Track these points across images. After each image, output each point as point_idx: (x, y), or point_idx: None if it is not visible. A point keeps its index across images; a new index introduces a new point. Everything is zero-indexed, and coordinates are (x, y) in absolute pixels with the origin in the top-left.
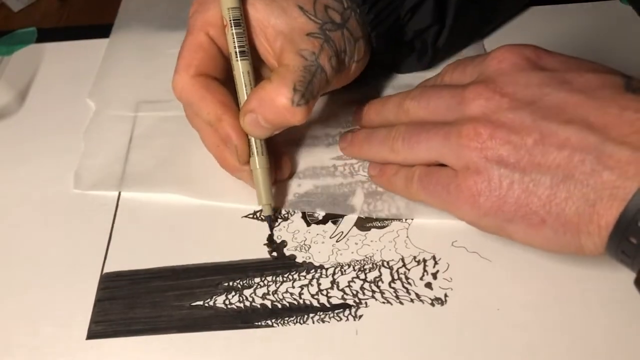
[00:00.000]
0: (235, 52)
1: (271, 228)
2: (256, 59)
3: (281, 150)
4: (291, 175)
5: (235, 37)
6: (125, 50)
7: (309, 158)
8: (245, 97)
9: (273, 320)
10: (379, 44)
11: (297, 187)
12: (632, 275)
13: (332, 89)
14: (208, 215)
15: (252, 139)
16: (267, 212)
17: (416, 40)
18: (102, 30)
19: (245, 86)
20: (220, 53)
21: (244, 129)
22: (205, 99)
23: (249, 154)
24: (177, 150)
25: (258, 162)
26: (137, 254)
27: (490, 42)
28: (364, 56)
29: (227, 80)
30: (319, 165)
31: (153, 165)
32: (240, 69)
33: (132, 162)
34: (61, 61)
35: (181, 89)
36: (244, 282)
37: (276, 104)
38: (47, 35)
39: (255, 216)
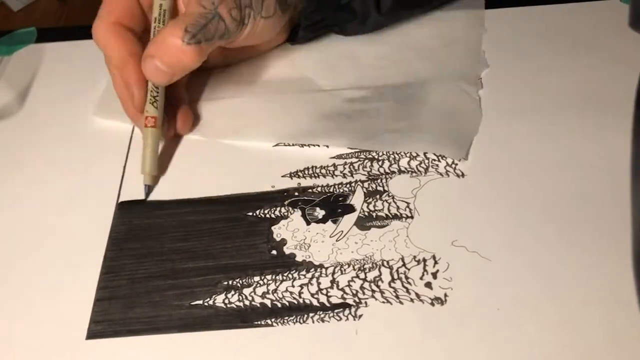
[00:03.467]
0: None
1: (146, 197)
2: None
3: (184, 108)
4: (190, 129)
5: None
6: None
7: (308, 157)
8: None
9: (273, 320)
10: (309, 3)
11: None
12: (631, 275)
13: (248, 43)
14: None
15: (148, 104)
16: (147, 181)
17: (355, 3)
18: None
19: (157, 26)
20: (139, 6)
21: (145, 76)
22: (116, 44)
23: (144, 104)
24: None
25: (149, 133)
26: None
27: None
28: (273, 14)
29: (142, 34)
30: (319, 165)
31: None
32: (155, 11)
33: None
34: (61, 61)
35: (97, 33)
36: (244, 281)
37: (169, 44)
38: (47, 35)
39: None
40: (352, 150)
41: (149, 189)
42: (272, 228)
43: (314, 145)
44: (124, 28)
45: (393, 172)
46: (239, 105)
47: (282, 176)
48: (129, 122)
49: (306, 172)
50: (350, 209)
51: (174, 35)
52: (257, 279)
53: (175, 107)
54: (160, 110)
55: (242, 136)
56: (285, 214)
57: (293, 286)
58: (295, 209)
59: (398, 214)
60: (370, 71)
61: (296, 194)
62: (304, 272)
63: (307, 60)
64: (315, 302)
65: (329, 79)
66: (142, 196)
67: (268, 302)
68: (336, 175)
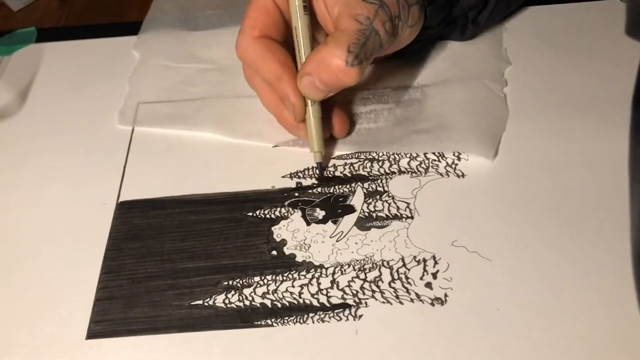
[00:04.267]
0: (297, 8)
1: (321, 173)
2: (314, 26)
3: (337, 110)
4: (348, 133)
5: None
6: (168, 9)
7: (308, 157)
8: (304, 55)
9: (273, 320)
10: (432, 18)
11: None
12: (631, 275)
13: (386, 53)
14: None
15: (309, 101)
16: (317, 159)
17: (462, 17)
18: (102, 30)
19: (303, 45)
20: (282, 16)
21: (301, 92)
22: (267, 58)
23: (305, 112)
24: (215, 97)
25: (312, 111)
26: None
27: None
28: (417, 22)
29: (286, 44)
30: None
31: (193, 108)
32: (300, 23)
33: (173, 103)
34: (61, 61)
35: (244, 48)
36: (244, 281)
37: (331, 65)
38: (47, 35)
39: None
40: (352, 151)
41: (321, 167)
42: (272, 228)
43: None
44: (271, 41)
45: (393, 173)
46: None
47: (282, 176)
48: (161, 126)
49: (306, 172)
50: (351, 209)
51: (336, 56)
52: (257, 279)
53: (328, 109)
54: (319, 107)
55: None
56: (286, 214)
57: (293, 286)
58: (296, 210)
59: (398, 214)
60: (394, 73)
61: (296, 194)
62: (304, 273)
63: None
64: (315, 303)
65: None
66: (142, 196)
67: (268, 302)
68: (336, 175)
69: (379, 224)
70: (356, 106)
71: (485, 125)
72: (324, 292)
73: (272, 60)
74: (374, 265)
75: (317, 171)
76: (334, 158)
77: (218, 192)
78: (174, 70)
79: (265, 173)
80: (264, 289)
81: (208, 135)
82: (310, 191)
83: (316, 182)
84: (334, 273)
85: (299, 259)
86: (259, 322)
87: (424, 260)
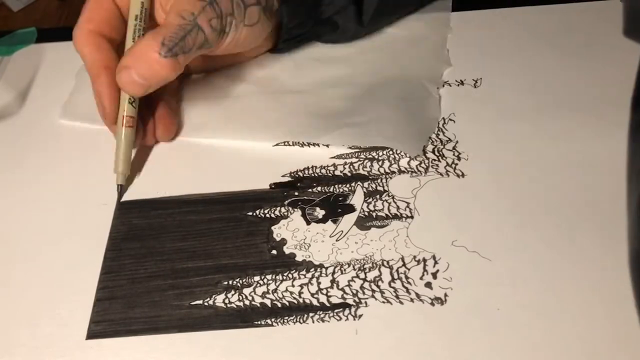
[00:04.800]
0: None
1: (119, 197)
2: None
3: (162, 110)
4: (175, 136)
5: None
6: None
7: (308, 157)
8: (128, 42)
9: (273, 320)
10: (290, 19)
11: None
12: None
13: (228, 51)
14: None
15: (125, 103)
16: (119, 180)
17: (336, 16)
18: None
19: (137, 24)
20: (119, 15)
21: (120, 87)
22: (91, 54)
23: (116, 117)
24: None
25: (124, 133)
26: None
27: (490, 43)
28: (257, 22)
29: (121, 44)
30: (319, 165)
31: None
32: (131, 8)
33: None
34: (61, 61)
35: (75, 40)
36: (244, 280)
37: (145, 56)
38: (47, 35)
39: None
40: (353, 150)
41: (121, 189)
42: (272, 228)
43: (314, 145)
44: (102, 37)
45: (393, 172)
46: (226, 106)
47: (282, 176)
48: (96, 124)
49: (306, 172)
50: (350, 208)
51: (150, 47)
52: (257, 278)
53: (156, 113)
54: (133, 129)
55: (223, 135)
56: (285, 213)
57: (293, 286)
58: (295, 209)
59: (398, 214)
60: (334, 71)
61: (296, 193)
62: (304, 272)
63: (277, 63)
64: (315, 302)
65: (296, 78)
66: (142, 196)
67: (268, 302)
68: (336, 175)
69: (379, 224)
70: (299, 100)
71: (417, 124)
72: (324, 291)
73: (94, 57)
74: (374, 264)
75: (117, 192)
76: (333, 158)
77: (218, 192)
78: None
79: (264, 173)
80: (264, 288)
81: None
82: (310, 190)
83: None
84: (333, 273)
85: (298, 258)
86: (259, 322)
87: (424, 260)
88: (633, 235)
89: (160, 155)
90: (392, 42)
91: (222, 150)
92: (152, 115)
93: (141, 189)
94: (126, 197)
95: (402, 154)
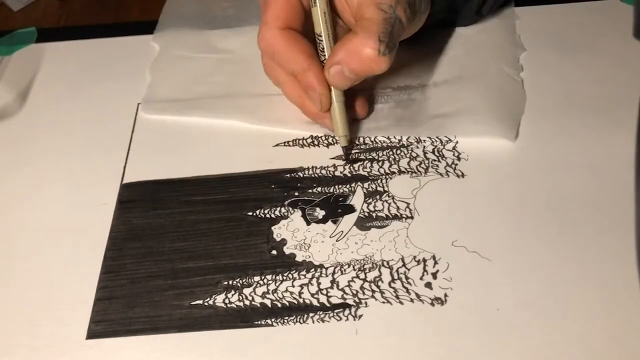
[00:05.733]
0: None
1: (347, 157)
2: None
3: (356, 95)
4: (367, 115)
5: None
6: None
7: (308, 157)
8: (325, 42)
9: (273, 320)
10: (438, 3)
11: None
12: (631, 275)
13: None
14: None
15: (333, 91)
16: (343, 142)
17: (464, 5)
18: (102, 30)
19: (324, 30)
20: (301, 7)
21: (328, 80)
22: (293, 50)
23: (331, 102)
24: (235, 86)
25: (335, 96)
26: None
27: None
28: (428, 8)
29: (305, 34)
30: (319, 165)
31: (215, 97)
32: (320, 13)
33: (195, 93)
34: (61, 61)
35: (268, 40)
36: (244, 280)
37: (362, 54)
38: (47, 35)
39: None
40: (353, 151)
41: (346, 151)
42: (272, 228)
43: (314, 146)
44: (295, 32)
45: (393, 173)
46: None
47: (282, 176)
48: (178, 115)
49: (306, 172)
50: (350, 209)
51: (367, 45)
52: (257, 278)
53: (349, 93)
54: (342, 93)
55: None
56: (285, 214)
57: (293, 286)
58: (296, 209)
59: (398, 214)
60: (414, 64)
61: (296, 194)
62: (304, 272)
63: None
64: (315, 302)
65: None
66: (142, 197)
67: (268, 302)
68: (336, 176)
69: (379, 224)
70: (376, 95)
71: (505, 108)
72: (324, 292)
73: (298, 52)
74: (374, 265)
75: (344, 155)
76: (333, 158)
77: (218, 194)
78: (194, 60)
79: (264, 173)
80: (264, 288)
81: (216, 130)
82: (310, 190)
83: (345, 163)
84: (334, 273)
85: (299, 258)
86: (259, 322)
87: (424, 260)
88: None
89: (160, 156)
90: (465, 32)
91: (223, 150)
92: (348, 98)
93: (141, 189)
94: (126, 197)
95: (402, 154)
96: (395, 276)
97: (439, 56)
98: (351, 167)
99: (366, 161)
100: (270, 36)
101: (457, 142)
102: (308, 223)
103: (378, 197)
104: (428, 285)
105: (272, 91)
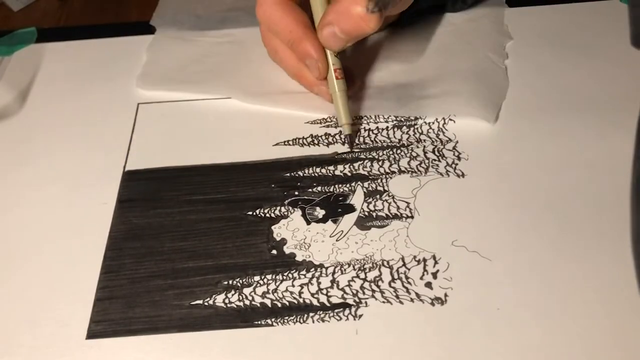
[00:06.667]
0: None
1: (351, 145)
2: None
3: (348, 66)
4: (361, 86)
5: None
6: None
7: (308, 156)
8: (319, 9)
9: (273, 320)
10: None
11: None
12: (631, 275)
13: (394, 12)
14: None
15: (329, 58)
16: (347, 131)
17: None
18: (102, 30)
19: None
20: None
21: (321, 42)
22: (288, 20)
23: (328, 68)
24: (231, 65)
25: (337, 86)
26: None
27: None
28: None
29: (302, 4)
30: (319, 164)
31: (211, 76)
32: None
33: (191, 71)
34: (61, 61)
35: (264, 10)
36: (244, 280)
37: (352, 13)
38: (47, 35)
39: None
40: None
41: (350, 139)
42: (272, 227)
43: (314, 145)
44: (290, 2)
45: (393, 172)
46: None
47: (282, 176)
48: (173, 90)
49: (306, 171)
50: (351, 208)
51: (356, 3)
52: (257, 278)
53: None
54: (344, 81)
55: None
56: (285, 213)
57: (293, 286)
58: (296, 209)
59: (398, 213)
60: (402, 47)
61: (296, 193)
62: (304, 272)
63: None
64: (315, 302)
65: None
66: (142, 197)
67: (268, 302)
68: (336, 175)
69: (379, 224)
70: (366, 77)
71: (487, 92)
72: (324, 291)
73: (293, 22)
74: (374, 264)
75: (348, 143)
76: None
77: (218, 193)
78: (191, 42)
79: (264, 173)
80: (264, 288)
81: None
82: (310, 190)
83: (350, 151)
84: (334, 272)
85: (298, 258)
86: (259, 322)
87: (424, 260)
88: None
89: (160, 156)
90: (455, 21)
91: (223, 149)
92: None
93: (142, 190)
94: (126, 197)
95: (402, 154)
96: (396, 276)
97: (428, 43)
98: (351, 166)
99: (366, 160)
100: (266, 6)
101: (457, 142)
102: (308, 222)
103: (378, 196)
104: (428, 285)
105: (269, 71)
